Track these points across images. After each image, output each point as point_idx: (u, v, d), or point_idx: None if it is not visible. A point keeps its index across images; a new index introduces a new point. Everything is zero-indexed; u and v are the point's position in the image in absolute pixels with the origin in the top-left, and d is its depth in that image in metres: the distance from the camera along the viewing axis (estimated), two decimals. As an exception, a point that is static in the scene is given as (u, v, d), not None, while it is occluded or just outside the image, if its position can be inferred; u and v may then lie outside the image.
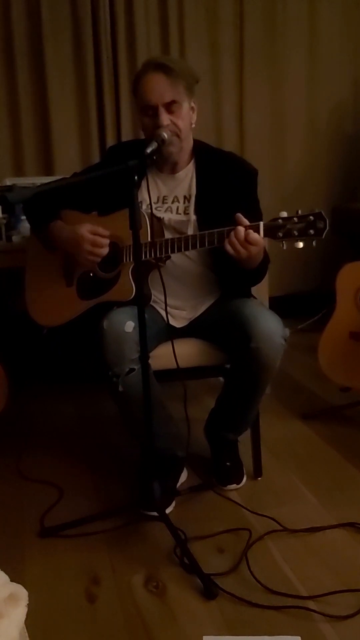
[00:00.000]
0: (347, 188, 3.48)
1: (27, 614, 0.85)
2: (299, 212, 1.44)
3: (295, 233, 1.44)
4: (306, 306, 3.30)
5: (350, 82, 3.42)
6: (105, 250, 1.65)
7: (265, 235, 1.47)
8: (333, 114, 3.43)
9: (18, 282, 1.94)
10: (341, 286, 2.17)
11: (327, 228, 1.42)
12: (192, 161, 1.77)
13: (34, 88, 2.94)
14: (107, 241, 1.65)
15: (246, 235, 1.47)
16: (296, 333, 3.10)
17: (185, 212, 1.74)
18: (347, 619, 1.28)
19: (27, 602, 0.83)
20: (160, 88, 1.60)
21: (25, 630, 0.86)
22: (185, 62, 1.71)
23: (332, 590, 1.36)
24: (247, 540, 1.56)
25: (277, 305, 2.26)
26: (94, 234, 1.65)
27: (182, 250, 1.59)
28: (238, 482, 1.84)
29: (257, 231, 1.47)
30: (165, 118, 1.62)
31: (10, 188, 2.37)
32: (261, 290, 1.93)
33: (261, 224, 1.47)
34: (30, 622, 0.90)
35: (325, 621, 1.28)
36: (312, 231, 1.43)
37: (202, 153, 1.78)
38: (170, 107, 1.62)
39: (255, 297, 1.83)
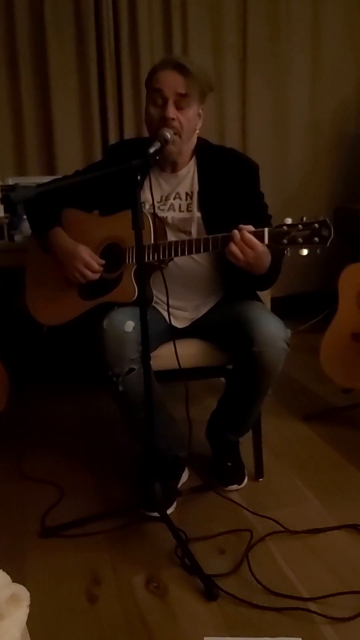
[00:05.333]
0: (350, 189, 3.47)
1: (28, 614, 0.85)
2: (304, 219, 1.44)
3: (300, 240, 1.43)
4: (308, 307, 3.30)
5: (354, 82, 3.42)
6: (94, 276, 1.68)
7: (270, 241, 1.46)
8: (336, 115, 3.43)
9: (20, 281, 1.93)
10: (343, 287, 2.17)
11: (332, 236, 1.41)
12: (193, 158, 1.76)
13: (36, 87, 2.94)
14: (100, 269, 1.68)
15: (242, 236, 1.46)
16: (298, 334, 3.09)
17: (188, 209, 1.73)
18: (348, 620, 1.28)
19: (29, 603, 0.83)
20: (174, 81, 1.61)
21: (27, 631, 0.86)
22: (203, 68, 1.70)
23: (333, 592, 1.36)
24: (248, 541, 1.56)
25: (279, 306, 2.26)
26: (90, 258, 1.66)
27: (186, 253, 1.58)
28: (239, 482, 1.84)
29: (262, 237, 1.47)
30: (172, 111, 1.61)
31: (12, 187, 2.37)
32: (263, 291, 1.93)
33: (266, 230, 1.47)
34: (31, 622, 0.90)
35: (326, 623, 1.28)
36: (316, 239, 1.42)
37: (203, 150, 1.77)
38: (180, 102, 1.62)
39: (259, 299, 1.82)
